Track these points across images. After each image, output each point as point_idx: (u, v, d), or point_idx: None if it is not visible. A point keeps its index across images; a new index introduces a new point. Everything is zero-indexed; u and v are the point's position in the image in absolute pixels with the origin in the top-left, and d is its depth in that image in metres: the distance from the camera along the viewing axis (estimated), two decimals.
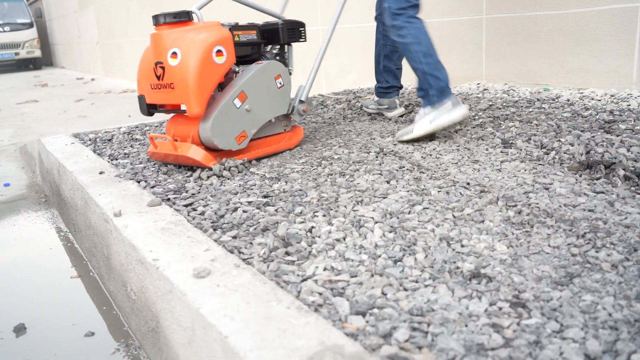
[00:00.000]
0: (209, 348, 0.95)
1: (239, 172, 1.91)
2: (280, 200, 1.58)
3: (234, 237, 1.33)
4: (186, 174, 1.93)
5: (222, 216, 1.48)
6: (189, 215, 1.50)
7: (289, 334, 0.87)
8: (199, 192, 1.70)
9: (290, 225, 1.36)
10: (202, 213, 1.51)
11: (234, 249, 1.25)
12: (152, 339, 1.30)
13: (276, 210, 1.49)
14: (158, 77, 1.87)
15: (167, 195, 1.69)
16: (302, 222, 1.39)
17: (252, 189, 1.70)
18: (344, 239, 1.29)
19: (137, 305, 1.36)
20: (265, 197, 1.62)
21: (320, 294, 1.04)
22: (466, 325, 0.92)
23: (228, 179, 1.84)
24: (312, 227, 1.35)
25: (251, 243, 1.28)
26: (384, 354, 0.84)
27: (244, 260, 1.20)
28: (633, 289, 1.00)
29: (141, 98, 1.97)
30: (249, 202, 1.57)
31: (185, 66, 1.80)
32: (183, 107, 1.86)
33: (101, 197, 1.71)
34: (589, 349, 0.83)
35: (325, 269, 1.14)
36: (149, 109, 2.00)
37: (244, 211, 1.50)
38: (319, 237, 1.30)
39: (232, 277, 1.09)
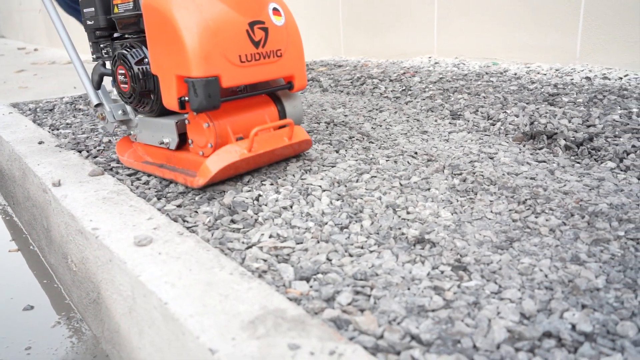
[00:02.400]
0: (149, 316, 0.92)
1: None
2: None
3: (179, 206, 1.30)
4: None
5: (167, 185, 1.44)
6: (132, 185, 1.45)
7: (231, 300, 0.86)
8: None
9: (237, 194, 1.34)
10: (147, 182, 1.47)
11: (178, 217, 1.22)
12: (94, 310, 1.26)
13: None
14: (256, 44, 1.35)
15: (110, 165, 1.63)
16: (250, 191, 1.37)
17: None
18: (291, 207, 1.28)
19: (78, 276, 1.32)
20: None
21: (265, 260, 1.03)
22: (408, 289, 0.93)
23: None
24: (259, 195, 1.34)
25: (196, 212, 1.26)
26: (326, 317, 0.84)
27: (188, 228, 1.17)
28: (568, 252, 1.03)
29: (212, 82, 1.25)
30: None
31: (293, 25, 1.46)
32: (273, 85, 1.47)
33: (40, 167, 1.64)
34: (524, 308, 0.85)
35: (270, 236, 1.13)
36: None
37: None
38: (265, 205, 1.29)
39: (175, 244, 1.06)
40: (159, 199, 1.34)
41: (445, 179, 1.42)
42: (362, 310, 0.86)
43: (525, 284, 0.93)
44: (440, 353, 0.74)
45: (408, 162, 1.55)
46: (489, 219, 1.19)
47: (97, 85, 1.58)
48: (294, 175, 1.47)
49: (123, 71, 1.43)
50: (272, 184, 1.41)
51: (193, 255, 1.02)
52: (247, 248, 1.08)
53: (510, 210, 1.22)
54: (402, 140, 1.77)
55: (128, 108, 1.55)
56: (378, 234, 1.14)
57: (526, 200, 1.26)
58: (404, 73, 2.93)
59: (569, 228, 1.13)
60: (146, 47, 1.39)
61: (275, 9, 1.42)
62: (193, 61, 1.23)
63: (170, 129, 1.44)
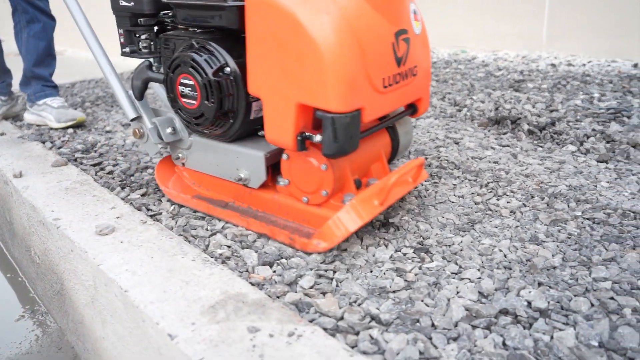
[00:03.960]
0: (111, 305, 0.92)
1: None
2: None
3: (143, 195, 1.28)
4: (96, 133, 1.84)
5: (131, 175, 1.42)
6: (96, 175, 1.43)
7: (192, 285, 0.86)
8: (107, 152, 1.63)
9: None
10: (111, 172, 1.45)
11: (142, 206, 1.21)
12: (58, 302, 1.25)
13: None
14: (399, 61, 1.00)
15: (74, 155, 1.61)
16: None
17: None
18: None
19: (42, 269, 1.30)
20: None
21: (229, 247, 1.03)
22: (371, 271, 0.94)
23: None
24: None
25: (160, 200, 1.24)
26: (288, 300, 0.84)
27: (151, 216, 1.16)
28: (527, 232, 1.05)
29: (356, 118, 0.91)
30: None
31: (425, 33, 1.12)
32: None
33: (0, 159, 1.60)
34: (483, 287, 0.87)
35: (237, 226, 1.12)
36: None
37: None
38: None
39: (138, 233, 1.06)
40: (122, 188, 1.33)
41: None
42: (324, 293, 0.87)
43: (484, 264, 0.95)
44: (398, 332, 0.75)
45: None
46: (452, 202, 1.20)
47: (140, 94, 1.17)
48: None
49: (190, 81, 1.04)
50: None
51: (155, 243, 1.01)
52: (212, 235, 1.08)
53: (472, 193, 1.24)
54: None
55: (177, 123, 1.18)
56: None
57: (488, 183, 1.28)
58: None
59: (529, 209, 1.15)
60: (224, 48, 1.02)
61: (414, 13, 1.08)
62: (335, 90, 0.86)
63: (255, 163, 1.07)
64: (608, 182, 1.26)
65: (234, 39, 1.04)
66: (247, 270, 0.95)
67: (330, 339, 0.72)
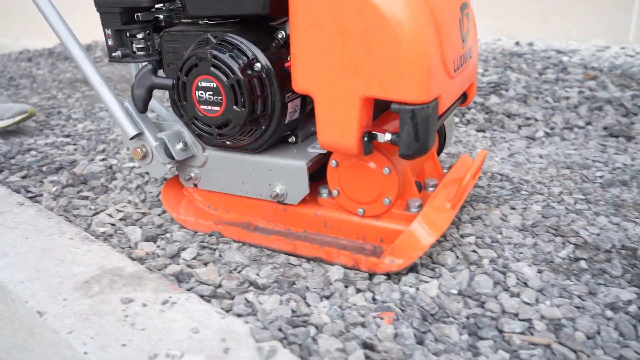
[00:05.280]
0: None
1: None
2: (83, 139, 1.49)
3: (24, 177, 1.23)
4: None
5: (12, 158, 1.35)
6: None
7: (67, 263, 0.84)
8: None
9: (90, 163, 1.29)
10: None
11: (21, 188, 1.16)
12: None
13: (75, 149, 1.40)
14: (464, 39, 0.89)
15: None
16: (104, 160, 1.33)
17: (53, 130, 1.58)
18: (148, 173, 1.26)
19: None
20: (66, 136, 1.51)
21: (112, 225, 1.01)
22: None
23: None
24: (113, 164, 1.30)
25: (42, 182, 1.20)
26: (169, 272, 0.84)
27: (31, 198, 1.12)
28: None
29: (435, 108, 0.77)
30: (47, 143, 1.45)
31: (471, 10, 0.97)
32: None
33: None
34: None
35: (120, 203, 1.10)
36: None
37: (39, 152, 1.39)
38: (120, 172, 1.26)
39: (13, 215, 1.01)
40: (1, 171, 1.26)
41: None
42: (206, 264, 0.88)
43: None
44: (272, 293, 0.78)
45: None
46: None
47: (143, 105, 0.97)
48: None
49: (211, 84, 0.87)
50: (127, 152, 1.38)
51: (32, 224, 0.97)
52: (95, 214, 1.05)
53: None
54: None
55: (188, 137, 0.99)
56: None
57: None
58: None
59: None
60: (249, 40, 0.86)
61: None
62: (415, 76, 0.73)
63: (295, 175, 0.92)
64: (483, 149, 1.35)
65: (258, 29, 0.90)
66: (129, 247, 0.94)
67: (204, 304, 0.73)
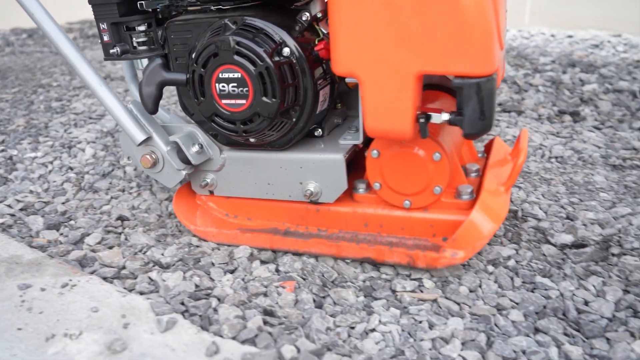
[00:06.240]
0: None
1: None
2: None
3: None
4: None
5: None
6: None
7: None
8: None
9: None
10: None
11: None
12: None
13: None
14: (506, 11, 0.86)
15: None
16: (3, 151, 1.28)
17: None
18: (52, 162, 1.22)
19: None
20: None
21: (12, 215, 0.98)
22: (164, 223, 0.96)
23: None
24: (13, 155, 1.25)
25: None
26: (72, 257, 0.83)
27: None
28: None
29: (495, 80, 0.68)
30: None
31: None
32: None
33: None
34: None
35: (21, 193, 1.07)
36: None
37: None
38: (21, 163, 1.21)
39: None
40: None
41: None
42: (110, 248, 0.88)
43: None
44: (176, 271, 0.79)
45: None
46: None
47: (154, 105, 0.86)
48: (57, 131, 1.40)
49: (236, 74, 0.77)
50: (30, 143, 1.33)
51: None
52: None
53: None
54: None
55: (202, 138, 0.88)
56: (140, 177, 1.15)
57: None
58: None
59: None
60: (274, 24, 0.77)
61: None
62: (482, 46, 0.65)
63: (332, 170, 0.82)
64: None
65: (280, 11, 0.81)
66: (30, 236, 0.92)
67: (105, 285, 0.73)
